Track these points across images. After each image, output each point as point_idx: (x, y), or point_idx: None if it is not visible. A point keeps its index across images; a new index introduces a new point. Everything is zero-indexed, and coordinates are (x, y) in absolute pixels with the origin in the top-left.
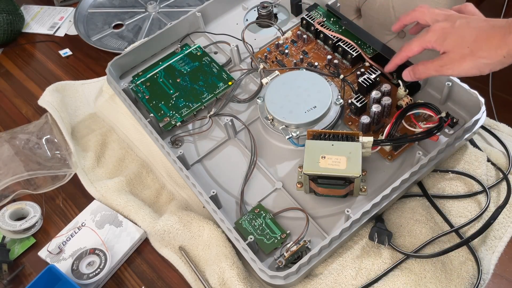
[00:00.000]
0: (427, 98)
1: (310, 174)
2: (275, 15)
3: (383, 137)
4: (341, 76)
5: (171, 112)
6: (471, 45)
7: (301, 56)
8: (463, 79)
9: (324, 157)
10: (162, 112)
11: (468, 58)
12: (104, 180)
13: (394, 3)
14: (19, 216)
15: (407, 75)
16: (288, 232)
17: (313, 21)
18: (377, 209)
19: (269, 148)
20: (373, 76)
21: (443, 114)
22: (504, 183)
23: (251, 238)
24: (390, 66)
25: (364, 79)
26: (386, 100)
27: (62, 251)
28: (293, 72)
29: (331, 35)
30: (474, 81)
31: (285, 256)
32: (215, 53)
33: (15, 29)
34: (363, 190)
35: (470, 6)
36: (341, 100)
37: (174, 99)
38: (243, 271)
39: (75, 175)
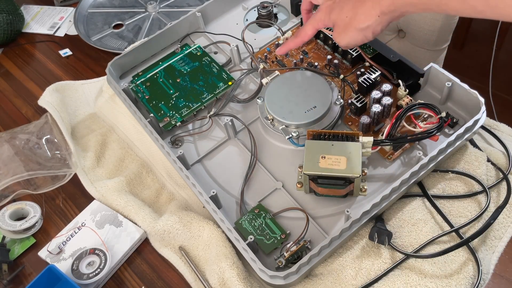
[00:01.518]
0: (427, 98)
1: (310, 174)
2: (275, 15)
3: (383, 137)
4: (341, 76)
5: (171, 112)
6: (349, 14)
7: (301, 56)
8: (463, 79)
9: (324, 157)
10: (162, 112)
11: (349, 27)
12: (104, 180)
13: None
14: (19, 216)
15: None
16: (288, 232)
17: None
18: (377, 209)
19: (269, 148)
20: (373, 76)
21: (443, 114)
22: (504, 183)
23: (251, 238)
24: (282, 49)
25: (364, 79)
26: (386, 100)
27: (62, 251)
28: (293, 72)
29: (331, 35)
30: (474, 81)
31: (285, 256)
32: (215, 53)
33: (15, 29)
34: (363, 190)
35: None
36: (341, 100)
37: (174, 99)
38: (243, 271)
39: (75, 175)
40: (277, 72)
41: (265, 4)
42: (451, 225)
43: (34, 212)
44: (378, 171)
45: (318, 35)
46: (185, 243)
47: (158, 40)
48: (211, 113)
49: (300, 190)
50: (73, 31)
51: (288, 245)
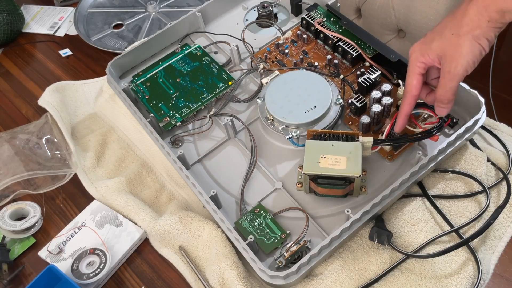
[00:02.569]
0: None
1: (310, 174)
2: (275, 15)
3: (383, 137)
4: (341, 76)
5: (171, 112)
6: (453, 29)
7: (301, 56)
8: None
9: (324, 157)
10: (162, 112)
11: (460, 42)
12: (104, 180)
13: (394, 3)
14: (19, 216)
15: (439, 112)
16: (288, 232)
17: (313, 21)
18: (377, 209)
19: (269, 148)
20: (373, 76)
21: None
22: (504, 183)
23: (251, 238)
24: (399, 125)
25: (364, 79)
26: (386, 100)
27: (62, 251)
28: (293, 72)
29: (331, 35)
30: (474, 81)
31: (285, 256)
32: (215, 53)
33: (15, 29)
34: (363, 190)
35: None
36: (341, 100)
37: (174, 99)
38: (243, 271)
39: (75, 175)
40: (277, 72)
41: (265, 4)
42: (451, 225)
43: (34, 212)
44: (378, 171)
45: (318, 35)
46: (185, 243)
47: (158, 40)
48: (211, 113)
49: (300, 190)
50: (73, 31)
51: (288, 245)
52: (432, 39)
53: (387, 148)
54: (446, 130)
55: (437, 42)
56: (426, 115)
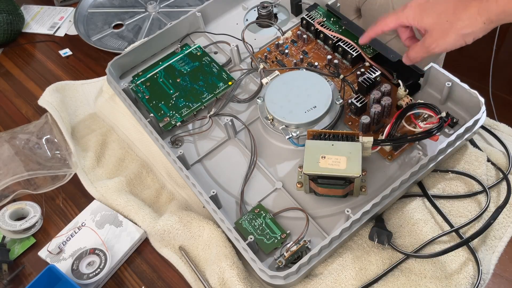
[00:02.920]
0: (427, 98)
1: (310, 174)
2: (275, 15)
3: (383, 137)
4: (341, 76)
5: (171, 112)
6: (450, 18)
7: (301, 56)
8: (463, 79)
9: (324, 157)
10: (162, 112)
11: (450, 32)
12: (104, 180)
13: (394, 3)
14: (19, 216)
15: (405, 60)
16: (288, 232)
17: (313, 21)
18: (377, 209)
19: (269, 148)
20: (373, 76)
21: (443, 114)
22: (504, 183)
23: (251, 238)
24: (364, 39)
25: (364, 79)
26: (386, 100)
27: (62, 251)
28: (293, 72)
29: (331, 35)
30: (474, 81)
31: (285, 256)
32: (215, 53)
33: (15, 29)
34: (363, 190)
35: None
36: (341, 100)
37: (174, 99)
38: (243, 271)
39: (75, 175)
40: (277, 72)
41: (265, 4)
42: (451, 225)
43: (34, 212)
44: (378, 171)
45: (318, 35)
46: (185, 243)
47: (158, 40)
48: (211, 113)
49: (300, 190)
50: (73, 31)
51: (288, 245)
52: (427, 12)
53: (387, 148)
54: (446, 130)
55: (431, 19)
56: (426, 115)
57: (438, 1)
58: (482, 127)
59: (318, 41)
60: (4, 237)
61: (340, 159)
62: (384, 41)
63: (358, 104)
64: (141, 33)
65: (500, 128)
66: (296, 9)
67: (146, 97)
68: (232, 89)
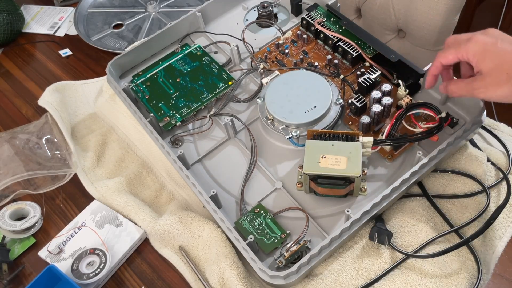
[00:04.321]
0: (427, 98)
1: (310, 174)
2: (275, 15)
3: (383, 137)
4: (341, 76)
5: (171, 112)
6: (510, 72)
7: (301, 56)
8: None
9: (324, 157)
10: (162, 112)
11: (504, 85)
12: (104, 180)
13: (394, 3)
14: (19, 216)
15: (442, 89)
16: (288, 232)
17: (313, 21)
18: (377, 209)
19: (269, 148)
20: (373, 76)
21: (443, 114)
22: (504, 183)
23: (251, 238)
24: (429, 83)
25: (364, 79)
26: (386, 100)
27: (62, 251)
28: (293, 72)
29: (331, 35)
30: None
31: (285, 256)
32: (215, 53)
33: (15, 29)
34: (363, 190)
35: (495, 31)
36: (341, 100)
37: (174, 99)
38: (243, 271)
39: (75, 175)
40: (277, 72)
41: (265, 4)
42: (451, 225)
43: (34, 212)
44: (378, 171)
45: (319, 35)
46: (185, 243)
47: (158, 40)
48: (211, 113)
49: (300, 190)
50: (73, 31)
51: (288, 245)
52: (491, 55)
53: (387, 148)
54: (446, 130)
55: (491, 64)
56: (426, 115)
57: (504, 51)
58: (482, 127)
59: (318, 41)
60: (4, 237)
61: (340, 159)
62: (384, 41)
63: (358, 104)
64: (141, 33)
65: (500, 128)
66: (296, 9)
67: (146, 97)
68: (232, 89)
